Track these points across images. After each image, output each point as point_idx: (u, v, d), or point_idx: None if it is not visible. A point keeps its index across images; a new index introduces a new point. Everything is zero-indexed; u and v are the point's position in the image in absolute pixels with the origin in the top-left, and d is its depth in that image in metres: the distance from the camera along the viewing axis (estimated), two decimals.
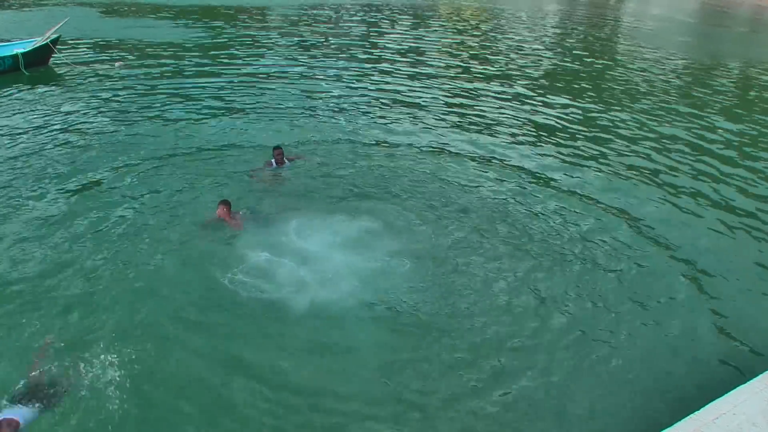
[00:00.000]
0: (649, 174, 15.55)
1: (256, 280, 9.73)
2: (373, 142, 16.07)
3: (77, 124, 16.36)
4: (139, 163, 13.93)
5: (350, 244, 10.79)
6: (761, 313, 10.24)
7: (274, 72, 22.70)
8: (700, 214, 13.67)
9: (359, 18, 35.25)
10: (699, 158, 16.98)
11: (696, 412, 6.26)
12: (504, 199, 13.41)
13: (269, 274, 9.88)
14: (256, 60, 24.51)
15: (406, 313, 9.38)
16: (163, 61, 23.48)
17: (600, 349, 8.97)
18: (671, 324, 9.71)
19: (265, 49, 26.55)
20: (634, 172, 15.49)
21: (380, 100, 20.10)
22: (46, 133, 15.66)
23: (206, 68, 22.64)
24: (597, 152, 16.80)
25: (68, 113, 17.18)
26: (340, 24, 32.42)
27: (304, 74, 22.57)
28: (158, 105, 18.16)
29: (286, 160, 13.83)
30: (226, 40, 28.08)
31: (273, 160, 13.72)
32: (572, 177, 15.01)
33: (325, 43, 28.14)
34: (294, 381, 7.89)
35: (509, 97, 21.82)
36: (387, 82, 22.35)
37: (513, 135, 17.72)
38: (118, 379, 7.58)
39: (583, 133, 18.44)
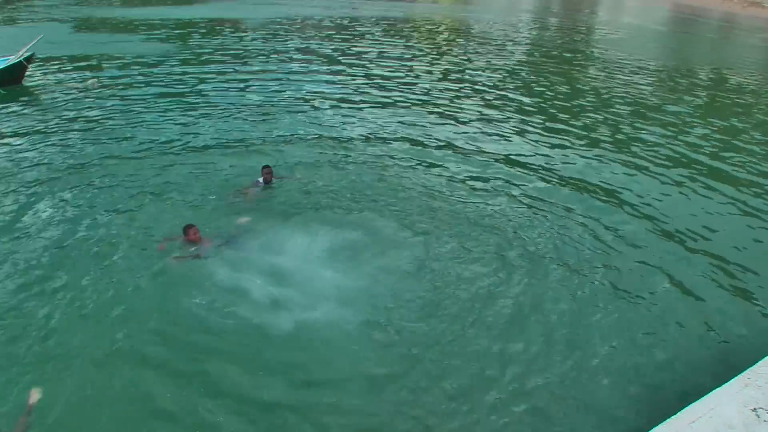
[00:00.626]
0: (624, 176, 16.06)
1: (235, 304, 9.66)
2: (359, 156, 16.20)
3: (49, 142, 16.30)
4: (115, 185, 13.82)
5: (337, 261, 10.87)
6: (738, 313, 10.54)
7: (253, 87, 22.79)
8: (678, 215, 14.06)
9: (337, 32, 35.39)
10: (674, 159, 17.61)
11: (673, 417, 6.45)
12: (488, 206, 13.67)
13: (250, 297, 9.83)
14: (232, 74, 24.52)
15: (393, 329, 9.44)
16: (136, 77, 23.48)
17: (578, 355, 9.16)
18: (648, 326, 9.96)
19: (240, 63, 26.59)
20: (612, 177, 15.88)
21: (362, 113, 20.26)
22: (19, 150, 15.63)
23: (181, 83, 22.66)
24: (576, 157, 17.30)
25: (41, 132, 17.11)
26: (316, 38, 32.54)
27: (285, 90, 22.64)
28: (133, 123, 18.11)
29: (274, 179, 13.84)
30: (200, 53, 28.09)
31: (261, 179, 13.73)
32: (553, 184, 15.32)
33: (303, 58, 28.25)
34: (275, 406, 7.89)
35: (487, 108, 22.13)
36: (367, 96, 22.52)
37: (492, 145, 17.97)
38: (89, 403, 7.63)
39: (562, 139, 18.83)
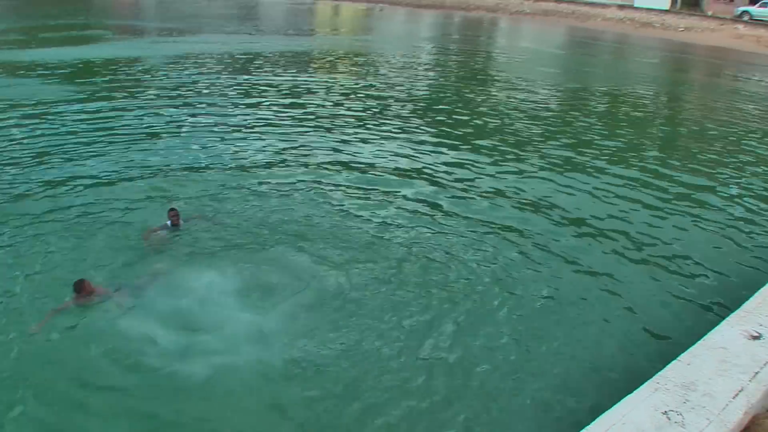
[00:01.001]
0: (535, 189, 16.75)
1: (142, 355, 9.25)
2: (266, 187, 16.09)
3: None
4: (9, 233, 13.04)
5: (252, 301, 10.71)
6: (650, 318, 10.86)
7: (153, 122, 22.20)
8: (588, 224, 14.83)
9: (238, 65, 35.13)
10: (579, 167, 18.96)
11: (586, 427, 6.49)
12: (401, 230, 13.92)
13: (158, 346, 9.41)
14: (133, 111, 23.86)
15: (313, 367, 9.31)
16: (34, 120, 22.61)
17: (494, 369, 9.35)
18: (559, 336, 10.22)
19: (140, 100, 25.96)
20: (525, 190, 16.68)
21: (266, 142, 20.15)
22: None
23: (80, 122, 21.92)
24: (478, 176, 17.87)
25: None
26: (216, 72, 32.22)
27: (187, 124, 22.23)
28: (28, 170, 17.18)
29: (181, 221, 13.38)
30: (98, 92, 27.33)
31: (168, 222, 13.25)
32: (461, 204, 15.75)
33: (204, 91, 27.86)
34: None
35: (393, 131, 22.44)
36: (269, 126, 22.36)
37: (401, 168, 18.29)
38: None
39: (461, 160, 19.30)
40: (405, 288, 11.47)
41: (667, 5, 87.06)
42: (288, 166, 17.85)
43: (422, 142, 21.02)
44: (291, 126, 22.34)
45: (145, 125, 21.79)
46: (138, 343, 9.47)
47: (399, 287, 11.47)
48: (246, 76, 31.51)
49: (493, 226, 14.45)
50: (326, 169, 17.73)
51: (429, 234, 13.76)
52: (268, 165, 17.81)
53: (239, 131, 21.44)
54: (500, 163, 19.25)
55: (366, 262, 12.28)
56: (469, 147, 20.84)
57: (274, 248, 12.74)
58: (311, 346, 9.72)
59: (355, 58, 40.74)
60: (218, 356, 9.23)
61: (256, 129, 21.76)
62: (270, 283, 11.32)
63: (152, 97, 26.56)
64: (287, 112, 24.44)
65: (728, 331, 7.53)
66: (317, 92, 28.75)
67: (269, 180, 16.54)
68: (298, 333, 9.99)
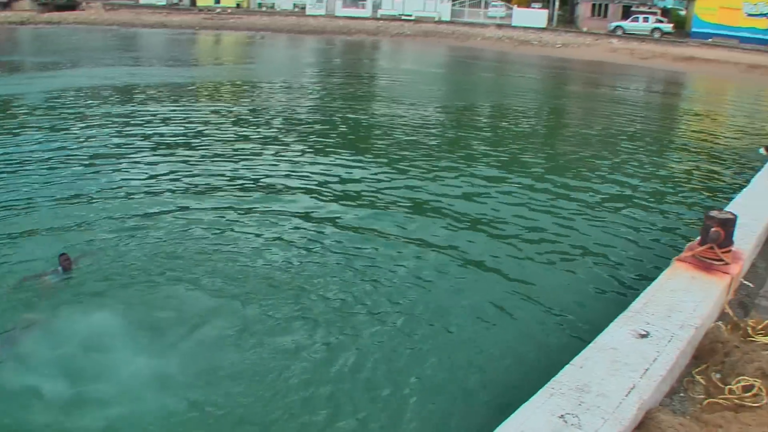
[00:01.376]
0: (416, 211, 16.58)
1: (26, 410, 8.49)
2: (155, 220, 15.44)
3: None
4: None
5: (149, 343, 10.10)
6: (543, 324, 11.09)
7: (29, 160, 21.02)
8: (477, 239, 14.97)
9: (121, 96, 34.20)
10: (474, 185, 19.18)
11: None
12: (293, 258, 13.60)
13: (44, 401, 8.63)
14: (7, 149, 22.81)
15: (216, 408, 8.87)
16: None
17: (388, 389, 9.22)
18: (451, 352, 10.23)
19: (19, 137, 24.82)
20: (419, 199, 16.67)
21: (151, 175, 19.45)
22: None
23: None
24: (372, 192, 17.98)
25: None
26: (96, 105, 31.23)
27: (67, 161, 21.13)
28: None
29: (73, 265, 12.57)
30: None
31: (60, 267, 12.40)
32: (356, 220, 15.83)
33: (83, 126, 26.88)
34: None
35: (278, 153, 22.38)
36: (156, 155, 21.72)
37: (287, 187, 18.25)
38: None
39: (354, 176, 19.42)
40: (308, 314, 11.24)
41: (543, 23, 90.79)
42: (176, 195, 17.36)
43: (313, 162, 21.07)
44: (175, 154, 21.88)
45: (19, 160, 20.79)
46: (18, 398, 8.70)
47: (302, 313, 11.24)
48: (127, 107, 30.74)
49: (391, 238, 14.66)
50: (217, 195, 17.39)
51: (323, 253, 13.67)
52: (155, 194, 17.30)
53: (122, 162, 20.71)
54: (393, 177, 19.58)
55: (266, 289, 12.00)
56: (361, 164, 21.10)
57: (168, 284, 12.20)
58: (215, 386, 9.29)
59: (239, 86, 40.42)
60: (115, 406, 8.59)
61: (138, 158, 21.15)
62: (166, 321, 10.76)
63: (33, 131, 25.40)
64: (171, 140, 23.95)
65: (617, 332, 7.72)
66: (202, 120, 28.31)
67: (157, 210, 15.98)
68: (201, 373, 9.52)
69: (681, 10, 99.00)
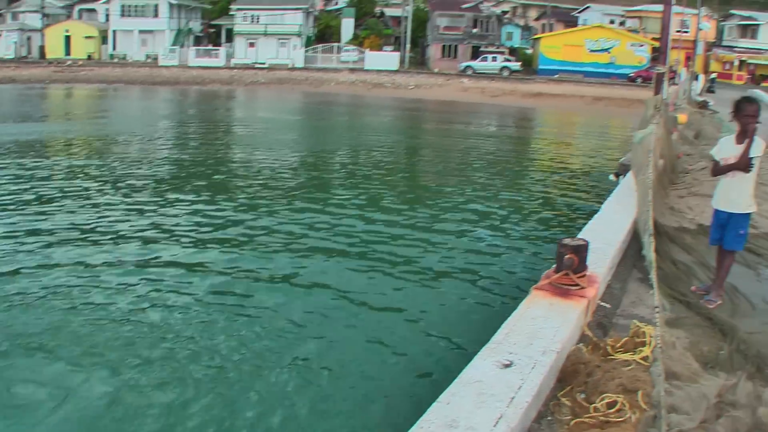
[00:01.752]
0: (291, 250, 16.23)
1: None
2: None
3: None
4: None
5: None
6: (410, 361, 11.01)
7: None
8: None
9: None
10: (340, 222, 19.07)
11: None
12: (153, 307, 12.93)
13: None
14: None
15: None
16: None
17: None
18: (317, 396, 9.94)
19: None
20: (280, 235, 16.07)
21: None
22: None
23: None
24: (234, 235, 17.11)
25: None
26: None
27: None
28: None
29: None
30: None
31: None
32: (222, 262, 15.43)
33: None
34: None
35: (134, 206, 21.55)
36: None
37: (145, 237, 17.51)
38: None
39: (216, 221, 18.67)
40: (181, 374, 10.65)
41: (396, 65, 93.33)
42: (21, 253, 16.19)
43: (169, 214, 20.37)
44: (23, 212, 20.51)
45: None
46: None
47: (176, 374, 10.63)
48: None
49: (261, 280, 14.39)
50: (72, 250, 16.36)
51: (187, 304, 13.02)
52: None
53: None
54: (250, 220, 19.53)
55: (134, 351, 11.18)
56: (220, 209, 20.86)
57: (21, 360, 10.91)
58: None
59: (89, 141, 39.09)
60: None
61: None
62: (27, 401, 9.68)
63: None
64: (15, 198, 22.54)
65: (482, 364, 7.67)
66: (50, 176, 26.97)
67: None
68: None
69: (528, 48, 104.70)
